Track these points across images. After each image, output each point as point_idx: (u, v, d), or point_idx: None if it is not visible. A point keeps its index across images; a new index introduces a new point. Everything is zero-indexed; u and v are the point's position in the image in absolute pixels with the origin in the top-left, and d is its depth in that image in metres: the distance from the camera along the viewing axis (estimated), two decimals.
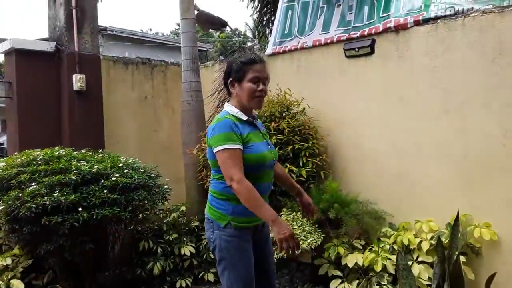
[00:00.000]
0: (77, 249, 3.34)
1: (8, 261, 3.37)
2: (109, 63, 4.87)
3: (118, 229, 3.87)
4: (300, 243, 3.40)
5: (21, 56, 4.23)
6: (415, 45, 3.71)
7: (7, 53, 4.32)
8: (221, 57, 5.77)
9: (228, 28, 5.68)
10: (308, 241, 3.43)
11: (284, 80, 4.53)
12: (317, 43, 4.42)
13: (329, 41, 4.32)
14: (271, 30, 6.08)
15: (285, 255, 2.56)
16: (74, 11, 4.37)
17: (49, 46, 4.35)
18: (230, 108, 2.20)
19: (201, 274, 3.95)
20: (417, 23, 3.72)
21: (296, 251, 2.03)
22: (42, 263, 3.59)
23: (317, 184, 3.90)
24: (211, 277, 3.94)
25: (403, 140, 3.77)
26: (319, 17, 4.53)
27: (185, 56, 4.72)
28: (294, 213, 3.66)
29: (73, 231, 3.19)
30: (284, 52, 4.71)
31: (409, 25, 3.75)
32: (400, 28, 3.81)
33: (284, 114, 4.14)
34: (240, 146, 2.09)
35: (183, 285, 3.84)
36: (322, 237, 3.56)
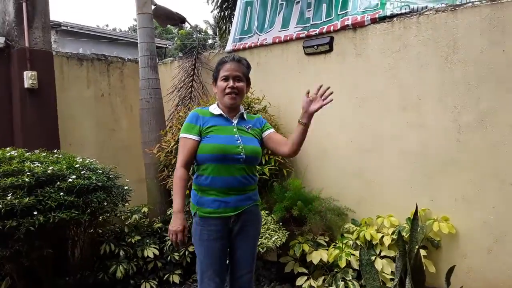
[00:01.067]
0: (34, 254, 3.18)
1: None
2: (62, 59, 4.67)
3: (77, 233, 3.72)
4: (265, 241, 3.39)
5: None
6: (372, 43, 3.78)
7: None
8: (180, 54, 5.66)
9: (187, 24, 5.57)
10: (273, 239, 3.44)
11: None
12: (277, 40, 4.43)
13: (288, 38, 4.35)
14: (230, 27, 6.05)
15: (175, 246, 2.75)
16: (24, 4, 4.14)
17: None
18: (213, 105, 2.46)
19: (166, 276, 3.88)
20: (374, 21, 3.79)
21: (179, 247, 2.42)
22: None
23: (280, 182, 3.91)
24: (176, 279, 3.87)
25: (361, 136, 3.84)
26: (279, 14, 4.54)
27: (142, 53, 4.61)
28: None
29: (29, 236, 3.03)
30: (244, 49, 4.68)
31: (366, 22, 3.82)
32: (357, 26, 3.87)
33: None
34: (193, 137, 2.33)
35: (148, 287, 3.75)
36: (286, 235, 3.58)
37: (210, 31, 26.05)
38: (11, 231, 2.99)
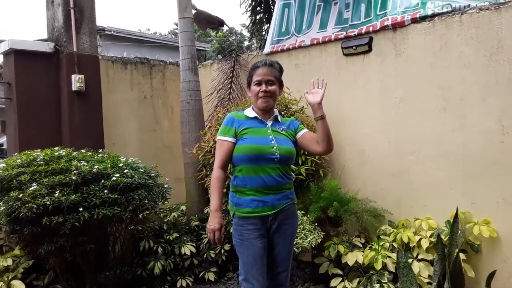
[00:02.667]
0: (78, 249, 3.34)
1: (9, 262, 3.37)
2: (108, 63, 4.87)
3: (118, 229, 3.88)
4: (300, 241, 3.41)
5: (20, 56, 4.23)
6: (412, 43, 3.72)
7: (6, 54, 4.32)
8: (219, 56, 5.76)
9: (225, 27, 5.68)
10: (308, 239, 3.44)
11: (283, 79, 4.54)
12: (315, 42, 4.43)
13: (327, 39, 4.34)
14: (265, 29, 6.09)
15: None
16: (72, 11, 4.36)
17: (47, 47, 4.35)
18: (248, 108, 2.55)
19: (201, 274, 3.96)
20: (414, 20, 3.73)
21: (217, 244, 2.38)
22: (43, 264, 3.59)
23: (316, 182, 3.91)
24: (211, 277, 3.95)
25: (402, 138, 3.78)
26: (316, 15, 4.54)
27: (184, 56, 4.73)
28: None
29: (73, 231, 3.20)
30: (282, 50, 4.72)
31: (407, 22, 3.76)
32: (397, 26, 3.82)
33: (283, 113, 4.15)
34: (229, 139, 2.43)
35: (184, 284, 3.85)
36: (322, 236, 3.57)
37: (246, 33, 26.19)
38: (58, 226, 3.16)
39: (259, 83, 2.46)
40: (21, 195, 3.15)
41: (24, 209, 3.07)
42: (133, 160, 3.93)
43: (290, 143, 2.47)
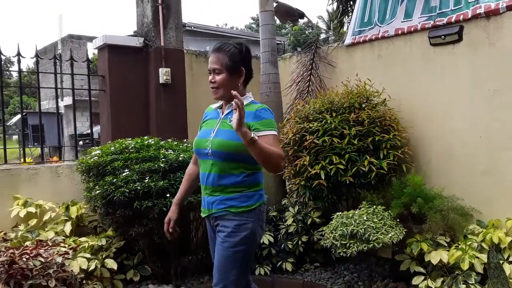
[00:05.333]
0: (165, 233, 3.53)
1: (103, 241, 3.64)
2: (191, 57, 5.07)
3: (200, 216, 4.03)
4: (381, 237, 3.33)
5: (112, 51, 4.53)
6: (508, 31, 3.47)
7: (100, 49, 4.65)
8: (299, 49, 5.75)
9: (305, 19, 5.65)
10: (390, 235, 3.35)
11: (364, 71, 4.46)
12: (399, 32, 4.28)
13: (412, 29, 4.18)
14: (347, 21, 5.98)
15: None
16: (160, 7, 4.59)
17: (137, 42, 4.61)
18: None
19: (279, 263, 4.01)
20: (510, 8, 3.47)
21: (169, 237, 2.44)
22: (133, 245, 3.84)
23: (398, 177, 3.79)
24: (289, 267, 3.99)
25: (494, 132, 3.55)
26: (401, 4, 4.38)
27: (264, 49, 4.79)
28: (374, 206, 3.59)
29: (161, 216, 3.38)
30: (364, 41, 4.61)
31: (501, 10, 3.52)
32: (491, 14, 3.58)
33: (363, 105, 4.07)
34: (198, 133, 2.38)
35: (262, 272, 3.93)
36: (404, 232, 3.46)
37: (322, 25, 25.87)
38: (147, 210, 3.36)
39: (209, 72, 2.28)
40: (114, 180, 3.39)
41: (118, 193, 3.31)
42: None
43: (232, 135, 2.08)
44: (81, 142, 11.60)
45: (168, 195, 3.37)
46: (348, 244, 3.40)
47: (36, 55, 4.27)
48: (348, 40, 4.78)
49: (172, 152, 3.69)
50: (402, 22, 4.30)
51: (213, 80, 2.25)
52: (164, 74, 4.52)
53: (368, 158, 3.74)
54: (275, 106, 4.70)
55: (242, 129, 1.89)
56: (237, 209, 2.16)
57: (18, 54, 4.16)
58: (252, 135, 1.93)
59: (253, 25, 32.56)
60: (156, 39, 4.60)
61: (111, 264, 3.52)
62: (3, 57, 4.16)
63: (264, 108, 2.22)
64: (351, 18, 5.51)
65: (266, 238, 4.00)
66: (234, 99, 1.86)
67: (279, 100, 4.77)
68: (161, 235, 3.54)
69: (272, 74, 4.73)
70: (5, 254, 2.92)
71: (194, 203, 3.46)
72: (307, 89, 4.88)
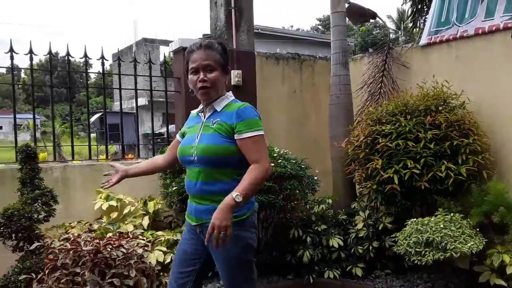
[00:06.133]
0: None
1: (178, 236, 3.79)
2: (262, 59, 5.14)
3: (269, 215, 4.09)
4: (459, 246, 3.19)
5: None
6: None
7: (176, 52, 4.85)
8: (370, 50, 5.65)
9: (378, 19, 5.53)
10: (468, 245, 3.20)
11: (441, 72, 4.29)
12: (480, 31, 4.09)
13: (494, 28, 3.98)
14: (424, 20, 5.77)
15: None
16: (233, 11, 4.71)
17: None
18: None
19: (348, 268, 3.96)
20: None
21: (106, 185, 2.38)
22: None
23: (478, 185, 3.61)
24: (359, 272, 3.92)
25: None
26: (482, 3, 4.18)
27: (335, 50, 4.75)
28: (451, 214, 3.45)
29: None
30: (441, 42, 4.45)
31: None
32: None
33: (440, 108, 3.92)
34: (177, 136, 2.30)
35: (331, 276, 3.90)
36: (484, 242, 3.29)
37: (392, 26, 25.16)
38: None
39: (195, 71, 2.08)
40: None
41: None
42: (285, 151, 4.10)
43: (216, 139, 2.02)
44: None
45: None
46: (423, 252, 3.29)
47: (118, 58, 4.55)
48: (423, 40, 4.62)
49: None
50: (483, 21, 4.11)
51: (205, 79, 2.06)
52: (235, 76, 4.63)
53: (446, 163, 3.60)
54: (345, 108, 4.66)
55: (220, 220, 1.85)
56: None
57: (102, 57, 4.45)
58: (230, 201, 1.87)
59: (319, 27, 32.39)
60: (229, 42, 4.72)
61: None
62: (76, 60, 4.46)
63: (246, 107, 2.08)
64: (425, 17, 5.32)
65: (336, 241, 3.97)
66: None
67: (350, 102, 4.71)
68: None
69: (342, 76, 4.68)
70: (91, 244, 3.14)
71: (265, 203, 3.52)
72: (379, 91, 4.78)
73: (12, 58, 4.00)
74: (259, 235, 4.23)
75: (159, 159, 2.43)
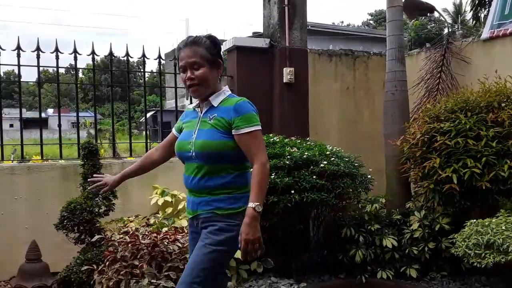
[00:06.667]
0: (288, 228, 3.63)
1: None
2: (314, 56, 5.11)
3: (321, 214, 4.06)
4: None
5: (240, 52, 4.75)
6: None
7: (229, 50, 4.91)
8: (428, 44, 5.46)
9: (435, 13, 5.34)
10: None
11: (504, 67, 4.08)
12: None
13: None
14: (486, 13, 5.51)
15: None
16: (286, 8, 4.70)
17: (264, 43, 4.78)
18: None
19: (402, 269, 3.86)
20: None
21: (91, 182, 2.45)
22: None
23: None
24: (413, 273, 3.81)
25: None
26: None
27: (391, 45, 4.63)
28: None
29: (285, 212, 3.48)
30: (504, 35, 4.24)
31: None
32: None
33: (503, 105, 3.71)
34: (173, 130, 2.31)
35: (384, 276, 3.81)
36: None
37: (448, 20, 24.16)
38: (272, 205, 3.47)
39: (184, 69, 2.09)
40: None
41: None
42: (338, 149, 4.05)
43: (213, 135, 2.04)
44: None
45: (292, 192, 3.45)
46: (483, 254, 3.14)
47: (159, 57, 4.62)
48: (485, 34, 4.42)
49: (296, 150, 3.77)
50: None
51: (192, 77, 2.06)
52: (288, 74, 4.63)
53: (509, 162, 3.42)
54: (400, 105, 4.53)
55: (251, 234, 1.94)
56: (224, 211, 2.05)
57: (159, 57, 4.59)
58: (252, 213, 1.94)
59: (371, 22, 31.64)
60: (282, 40, 4.72)
61: (238, 254, 3.67)
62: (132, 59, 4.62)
63: (243, 101, 2.08)
64: (487, 11, 5.06)
65: (390, 242, 3.87)
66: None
67: (406, 98, 4.58)
68: (284, 230, 3.66)
69: (398, 72, 4.55)
70: (149, 238, 3.26)
71: (317, 201, 3.50)
72: (436, 87, 4.62)
73: (75, 59, 4.22)
74: (310, 233, 4.25)
75: (153, 155, 2.42)
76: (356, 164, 3.93)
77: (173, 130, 2.32)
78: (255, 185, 1.98)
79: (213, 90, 2.12)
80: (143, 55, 4.58)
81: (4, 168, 3.87)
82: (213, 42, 2.11)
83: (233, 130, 2.03)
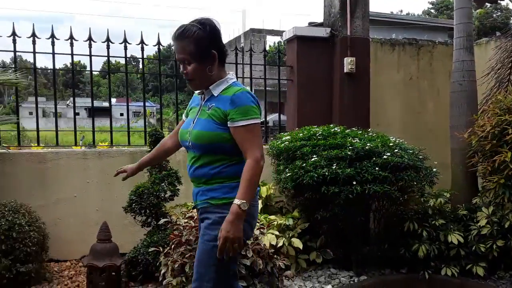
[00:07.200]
0: (349, 219, 3.59)
1: (290, 221, 3.87)
2: (376, 45, 4.99)
3: (382, 206, 3.98)
4: None
5: (300, 42, 4.73)
6: None
7: (289, 40, 4.90)
8: (498, 33, 5.17)
9: (505, 1, 5.04)
10: None
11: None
12: None
13: None
14: None
15: None
16: None
17: (324, 32, 4.73)
18: None
19: (468, 266, 3.72)
20: None
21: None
22: (315, 228, 3.99)
23: None
24: (480, 271, 3.66)
25: None
26: None
27: (458, 34, 4.42)
28: None
29: (346, 203, 3.44)
30: None
31: None
32: None
33: None
34: (184, 117, 2.24)
35: (449, 273, 3.69)
36: None
37: None
38: (333, 196, 3.45)
39: (179, 63, 2.08)
40: (304, 165, 3.56)
41: (307, 177, 3.46)
42: (401, 141, 3.95)
43: (208, 125, 1.98)
44: None
45: (354, 183, 3.41)
46: None
47: (236, 49, 4.72)
48: None
49: (358, 140, 3.71)
50: None
51: (185, 72, 2.02)
52: (348, 63, 4.56)
53: None
54: (468, 96, 4.34)
55: (231, 232, 1.87)
56: (217, 200, 2.00)
57: None
58: (237, 210, 1.87)
59: (432, 11, 30.32)
60: (343, 29, 4.65)
61: (297, 243, 3.72)
62: None
63: (242, 92, 1.97)
64: None
65: (455, 238, 3.74)
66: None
67: (474, 89, 4.36)
68: (345, 221, 3.63)
69: (466, 62, 4.35)
70: None
71: (380, 193, 3.44)
72: (508, 77, 4.37)
73: (142, 49, 4.38)
74: (370, 226, 4.18)
75: (167, 143, 2.39)
76: (420, 157, 3.81)
77: (183, 116, 2.27)
78: (244, 181, 1.91)
79: (212, 81, 2.04)
80: None
81: (77, 153, 4.11)
82: (204, 32, 1.96)
83: (228, 122, 1.96)
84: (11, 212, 3.42)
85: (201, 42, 1.94)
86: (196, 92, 2.16)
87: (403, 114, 5.06)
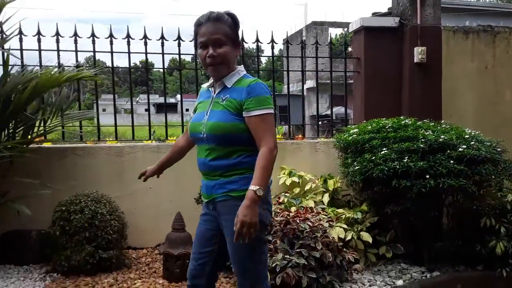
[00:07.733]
0: (421, 214, 3.50)
1: (358, 215, 3.83)
2: (448, 33, 4.77)
3: (456, 201, 3.83)
4: None
5: (368, 33, 4.64)
6: None
7: (356, 32, 4.81)
8: None
9: None
10: None
11: None
12: None
13: None
14: None
15: None
16: None
17: (393, 22, 4.60)
18: None
19: None
20: None
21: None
22: (384, 222, 3.92)
23: None
24: None
25: None
26: None
27: None
28: None
29: (419, 197, 3.35)
30: None
31: None
32: None
33: None
34: (192, 114, 2.22)
35: None
36: None
37: None
38: (405, 190, 3.37)
39: (205, 46, 2.00)
40: (373, 158, 3.51)
41: (376, 170, 3.41)
42: (477, 133, 3.78)
43: (225, 116, 1.99)
44: (320, 123, 12.38)
45: (427, 177, 3.31)
46: None
47: (272, 41, 4.70)
48: None
49: (431, 133, 3.60)
50: None
51: (214, 54, 1.99)
52: (419, 53, 4.42)
53: None
54: None
55: (249, 217, 1.86)
56: (238, 193, 2.00)
57: (272, 41, 4.66)
58: (253, 195, 1.87)
59: None
60: (412, 18, 4.51)
61: (366, 237, 3.67)
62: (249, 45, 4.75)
63: (257, 83, 2.00)
64: None
65: None
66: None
67: None
68: (418, 216, 3.54)
69: None
70: (281, 215, 3.39)
71: (455, 187, 3.31)
72: None
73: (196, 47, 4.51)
74: (442, 221, 4.04)
75: (180, 142, 2.40)
76: (498, 149, 3.63)
77: (191, 113, 2.27)
78: (259, 168, 1.93)
79: (230, 70, 2.08)
80: (257, 40, 4.66)
81: (151, 147, 4.32)
82: (234, 20, 2.07)
83: (243, 112, 1.98)
84: (93, 202, 3.66)
85: (233, 28, 2.06)
86: (204, 86, 2.24)
87: (477, 105, 4.81)
